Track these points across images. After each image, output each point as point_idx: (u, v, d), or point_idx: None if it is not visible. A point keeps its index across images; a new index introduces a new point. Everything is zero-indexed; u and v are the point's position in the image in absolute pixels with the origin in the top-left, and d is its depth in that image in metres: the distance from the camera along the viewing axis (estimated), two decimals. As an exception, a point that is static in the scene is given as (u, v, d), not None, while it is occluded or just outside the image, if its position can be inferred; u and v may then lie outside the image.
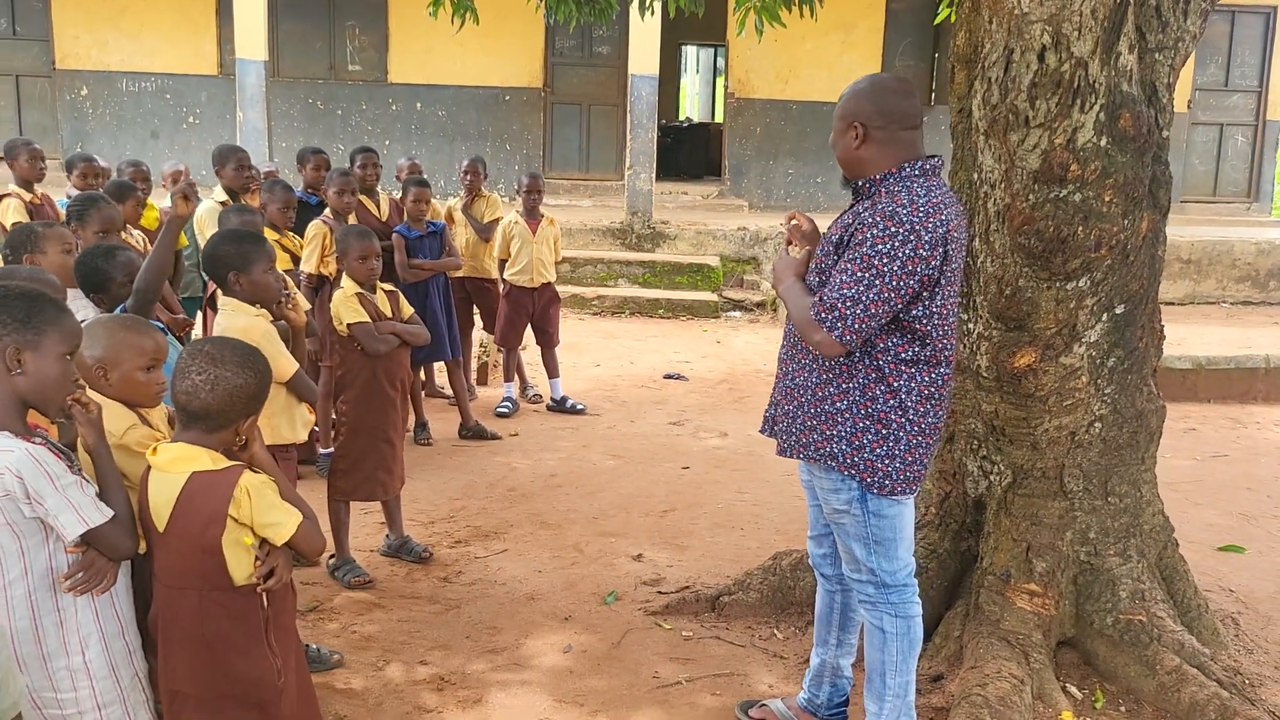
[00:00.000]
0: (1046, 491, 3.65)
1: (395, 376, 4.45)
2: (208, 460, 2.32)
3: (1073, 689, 3.55)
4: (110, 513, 2.23)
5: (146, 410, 2.61)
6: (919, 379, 2.82)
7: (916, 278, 2.69)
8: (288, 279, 4.16)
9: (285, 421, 3.64)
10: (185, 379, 2.33)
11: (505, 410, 6.92)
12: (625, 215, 12.21)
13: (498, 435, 6.45)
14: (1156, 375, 3.78)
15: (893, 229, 2.68)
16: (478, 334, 7.72)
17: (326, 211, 5.89)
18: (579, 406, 7.11)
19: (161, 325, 3.40)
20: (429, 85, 13.70)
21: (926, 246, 2.68)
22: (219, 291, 3.63)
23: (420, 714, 3.39)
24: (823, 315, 2.73)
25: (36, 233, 3.59)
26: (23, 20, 13.58)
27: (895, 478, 2.84)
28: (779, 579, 4.15)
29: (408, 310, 4.65)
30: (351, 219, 5.85)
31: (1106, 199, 3.29)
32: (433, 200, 6.56)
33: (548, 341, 7.12)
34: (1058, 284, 3.41)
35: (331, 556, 4.36)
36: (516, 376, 7.23)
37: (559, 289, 7.21)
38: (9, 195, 5.83)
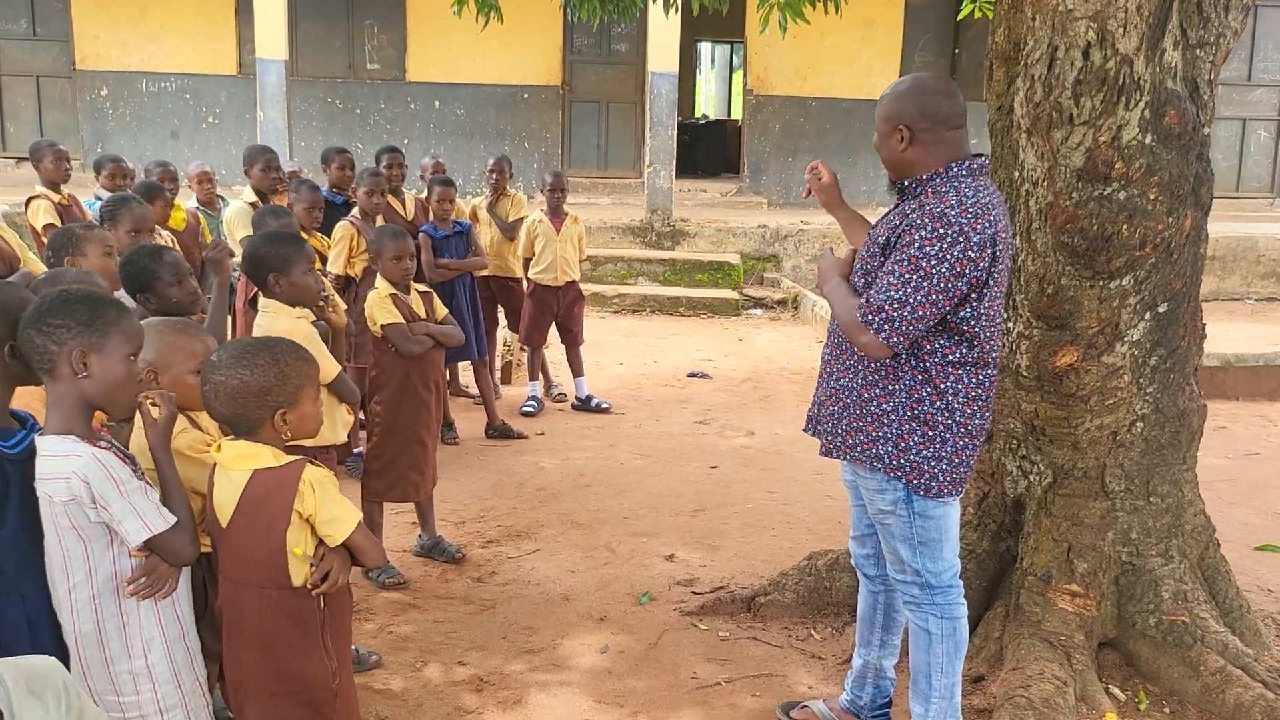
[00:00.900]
0: (1088, 491, 3.63)
1: (429, 377, 4.45)
2: (270, 457, 2.32)
3: (1115, 690, 3.53)
4: (173, 519, 2.23)
5: (196, 413, 2.61)
6: (966, 380, 2.80)
7: (965, 280, 2.67)
8: (325, 281, 4.16)
9: (327, 423, 3.63)
10: (201, 394, 2.37)
11: (531, 409, 6.91)
12: (645, 213, 12.20)
13: (524, 434, 6.45)
14: (1198, 374, 3.75)
15: (941, 230, 2.66)
16: (502, 333, 7.71)
17: (355, 212, 5.89)
18: (604, 405, 7.10)
19: None
20: (448, 84, 13.72)
21: (975, 248, 2.66)
22: (259, 293, 3.63)
23: (461, 715, 3.38)
24: (870, 317, 2.71)
25: (78, 235, 3.60)
26: (43, 21, 13.64)
27: (942, 479, 2.82)
28: (815, 579, 4.13)
29: (442, 311, 4.65)
30: (380, 220, 5.85)
31: (1151, 196, 3.26)
32: (457, 199, 6.56)
33: (572, 340, 7.12)
34: (1101, 283, 3.39)
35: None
36: (541, 375, 7.23)
37: (581, 287, 7.20)
38: (38, 197, 5.85)
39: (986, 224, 2.68)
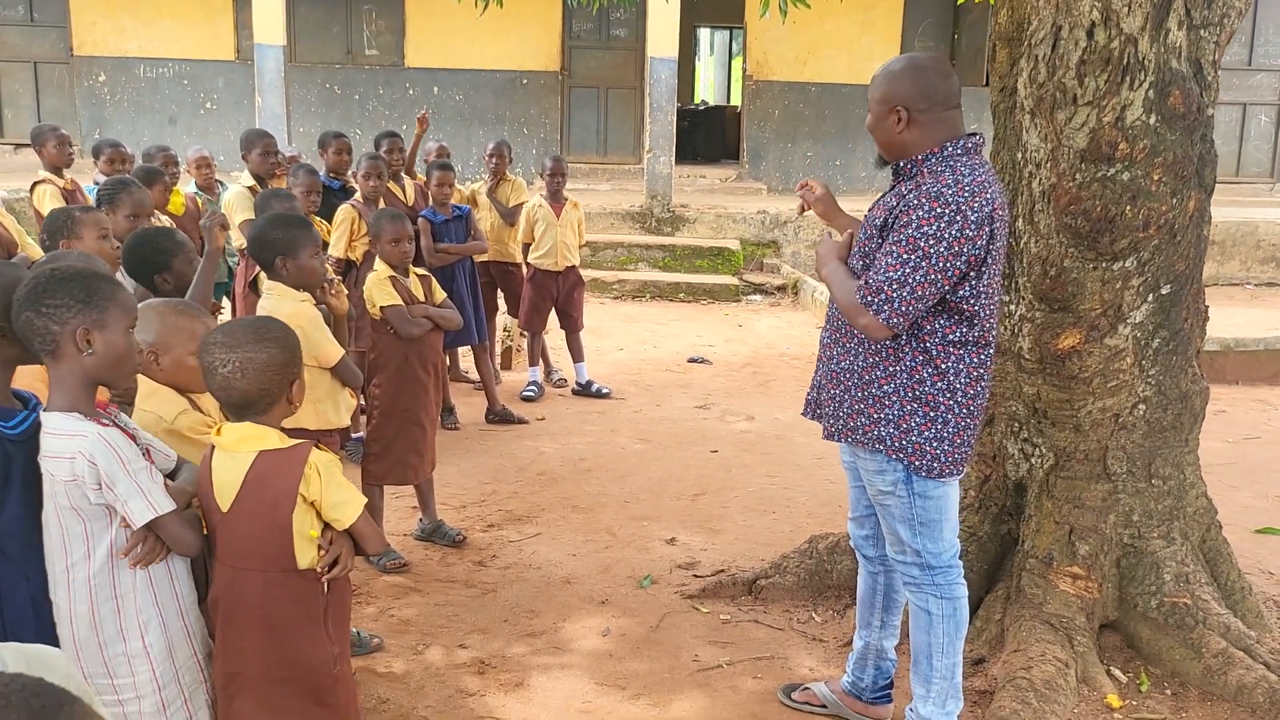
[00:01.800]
0: (1089, 474, 3.62)
1: (427, 360, 4.44)
2: (275, 439, 2.31)
3: (1117, 672, 3.53)
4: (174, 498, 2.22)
5: (197, 395, 2.60)
6: (967, 360, 2.80)
7: (963, 258, 2.66)
8: (329, 266, 4.15)
9: (331, 407, 3.64)
10: (214, 376, 2.31)
11: (531, 394, 6.91)
12: (644, 199, 12.17)
13: (524, 420, 6.44)
14: (1200, 356, 3.75)
15: (938, 210, 2.64)
16: (502, 318, 7.70)
17: (357, 196, 5.88)
18: (604, 390, 7.10)
19: None
20: (446, 69, 13.67)
21: (973, 226, 2.65)
22: (262, 276, 3.62)
23: (463, 697, 3.39)
24: (869, 298, 2.70)
25: (74, 217, 3.59)
26: (40, 7, 13.58)
27: (944, 460, 2.81)
28: (815, 562, 4.13)
29: (440, 294, 4.64)
30: (380, 204, 5.84)
31: (1155, 178, 3.25)
32: (457, 185, 6.53)
33: (572, 325, 7.10)
34: (1104, 264, 3.38)
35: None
36: (542, 360, 7.22)
37: (581, 273, 7.19)
38: (43, 182, 5.83)
39: (983, 202, 2.67)
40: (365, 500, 2.38)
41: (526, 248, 6.99)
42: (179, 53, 13.58)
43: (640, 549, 4.59)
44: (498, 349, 7.53)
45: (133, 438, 2.23)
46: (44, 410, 2.21)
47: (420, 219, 6.11)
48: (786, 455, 5.93)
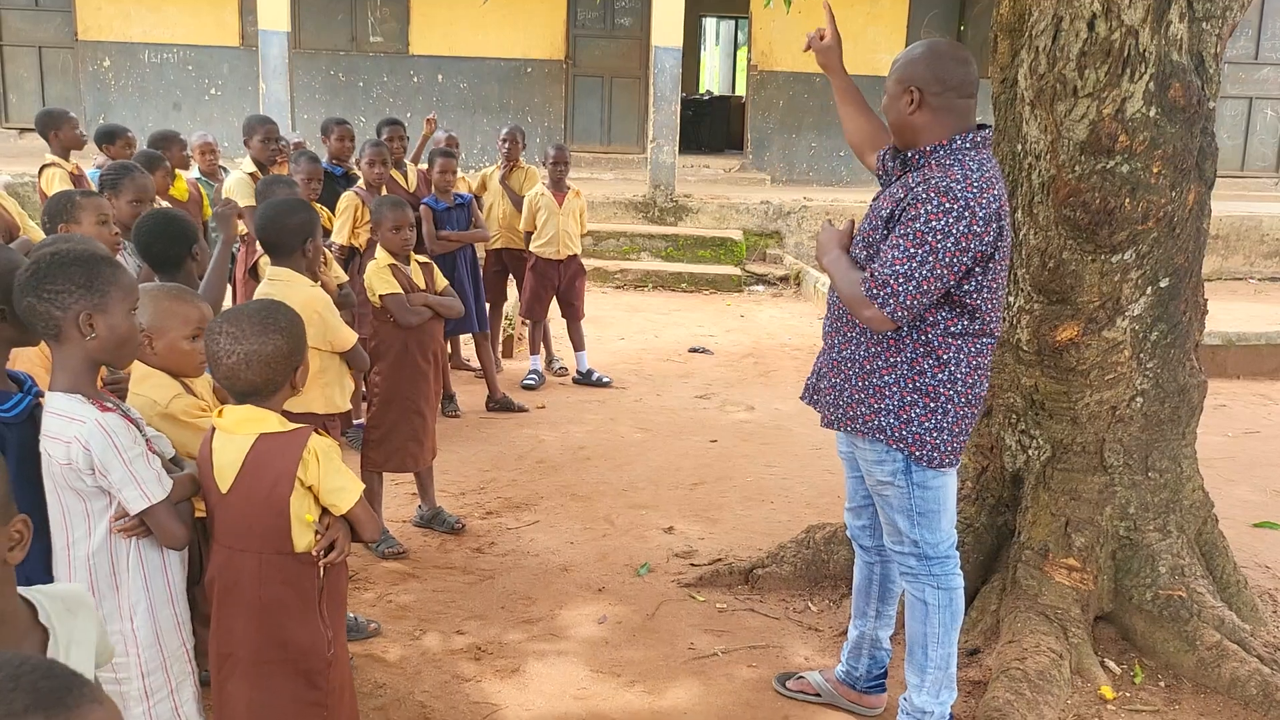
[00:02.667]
0: (1086, 466, 3.63)
1: (428, 348, 4.45)
2: (275, 422, 2.32)
3: (1111, 664, 3.54)
4: (170, 485, 2.23)
5: (190, 379, 2.61)
6: (967, 350, 2.80)
7: (970, 254, 2.66)
8: (326, 251, 4.16)
9: (338, 390, 3.66)
10: (219, 365, 2.32)
11: (532, 383, 6.92)
12: (648, 188, 12.15)
13: (525, 408, 6.45)
14: (1199, 350, 3.75)
15: (947, 205, 2.64)
16: (510, 306, 7.70)
17: (360, 183, 5.88)
18: (605, 380, 7.10)
19: None
20: (451, 57, 13.65)
21: (981, 223, 2.65)
22: (263, 262, 3.62)
23: (459, 682, 3.40)
24: (874, 291, 2.70)
25: (74, 201, 3.59)
26: (45, -9, 13.58)
27: (944, 449, 2.82)
28: (812, 552, 4.14)
29: (441, 282, 4.64)
30: (383, 191, 5.84)
31: (1155, 170, 3.25)
32: (460, 173, 6.53)
33: (573, 314, 7.11)
34: (1102, 257, 3.38)
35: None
36: (543, 349, 7.23)
37: (583, 261, 7.19)
38: (51, 165, 5.84)
39: (991, 198, 2.67)
40: (363, 487, 2.39)
41: (529, 236, 6.99)
42: (184, 38, 13.57)
43: (638, 537, 4.60)
44: (499, 337, 7.54)
45: (135, 424, 2.24)
46: (48, 390, 2.21)
47: (422, 206, 6.12)
48: (785, 445, 5.94)
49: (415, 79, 13.70)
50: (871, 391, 2.84)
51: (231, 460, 2.28)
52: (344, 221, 5.65)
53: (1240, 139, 14.24)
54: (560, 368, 7.33)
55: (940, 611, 2.98)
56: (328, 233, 5.64)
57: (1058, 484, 3.66)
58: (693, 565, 4.32)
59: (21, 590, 1.52)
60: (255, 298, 3.63)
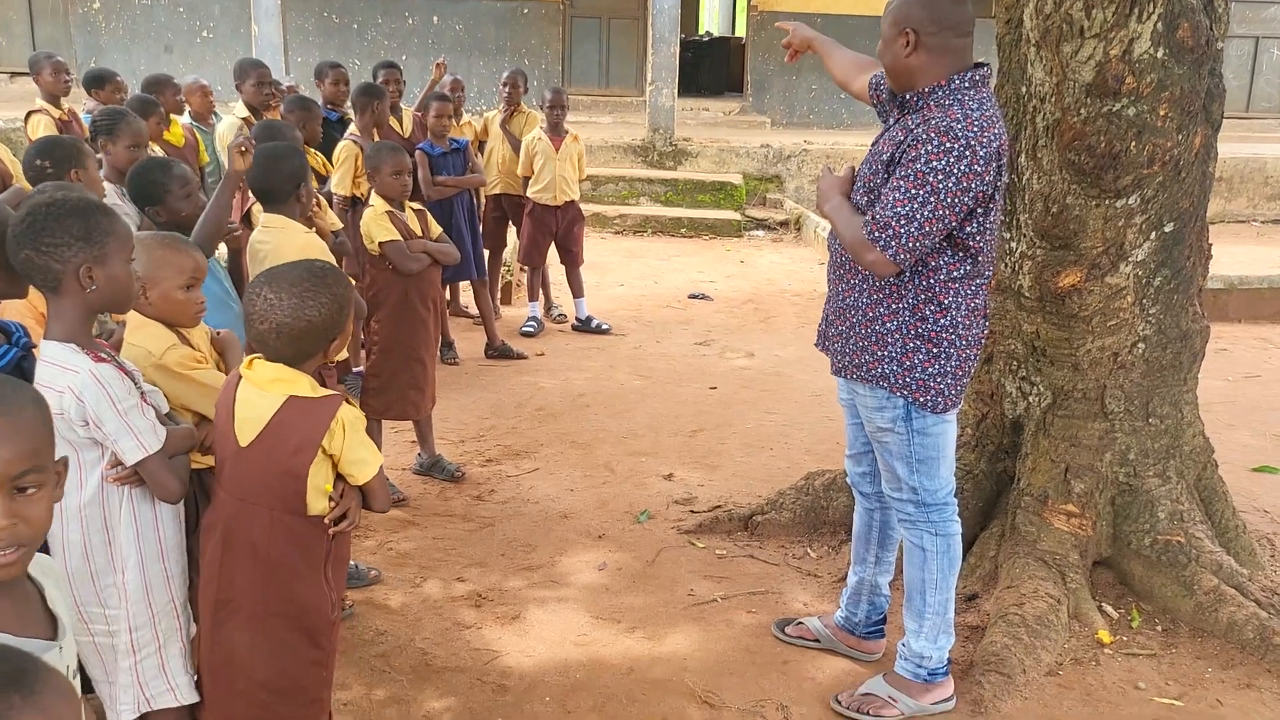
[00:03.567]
0: (1087, 413, 3.62)
1: (427, 295, 4.42)
2: (307, 386, 2.27)
3: (1109, 609, 3.56)
4: (165, 436, 2.22)
5: (187, 330, 2.58)
6: (964, 293, 2.78)
7: (971, 194, 2.62)
8: (320, 197, 4.11)
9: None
10: (251, 327, 2.26)
11: (530, 330, 6.89)
12: (646, 132, 12.03)
13: (524, 355, 6.43)
14: (1202, 295, 3.72)
15: (948, 145, 2.60)
16: (510, 252, 7.65)
17: (352, 128, 5.80)
18: (604, 326, 7.08)
19: None
20: (446, -2, 13.44)
21: (982, 162, 2.61)
22: (256, 209, 3.57)
23: (459, 629, 3.42)
24: (876, 234, 2.67)
25: (82, 150, 3.53)
26: (32, -69, 13.33)
27: (947, 393, 2.81)
28: (812, 499, 4.15)
29: (436, 229, 4.60)
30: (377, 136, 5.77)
31: (1161, 113, 3.20)
32: (466, 117, 6.43)
33: (572, 260, 7.06)
34: (1107, 201, 3.34)
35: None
36: (541, 295, 7.20)
37: (581, 207, 7.12)
38: (39, 111, 5.76)
39: (992, 137, 2.63)
40: (382, 460, 2.36)
41: (526, 181, 6.91)
42: (174, -20, 13.36)
43: (637, 484, 4.61)
44: (498, 284, 7.50)
45: (130, 376, 2.22)
46: (43, 339, 2.19)
47: (418, 151, 6.04)
48: (785, 392, 5.93)
49: (410, 21, 13.50)
50: (875, 339, 2.82)
51: (256, 416, 2.23)
52: (345, 171, 5.58)
53: (1246, 79, 14.08)
54: (559, 314, 7.30)
55: (938, 558, 2.99)
56: (322, 178, 5.57)
57: (1058, 430, 3.65)
58: (692, 512, 4.33)
59: None
60: (250, 244, 3.60)
